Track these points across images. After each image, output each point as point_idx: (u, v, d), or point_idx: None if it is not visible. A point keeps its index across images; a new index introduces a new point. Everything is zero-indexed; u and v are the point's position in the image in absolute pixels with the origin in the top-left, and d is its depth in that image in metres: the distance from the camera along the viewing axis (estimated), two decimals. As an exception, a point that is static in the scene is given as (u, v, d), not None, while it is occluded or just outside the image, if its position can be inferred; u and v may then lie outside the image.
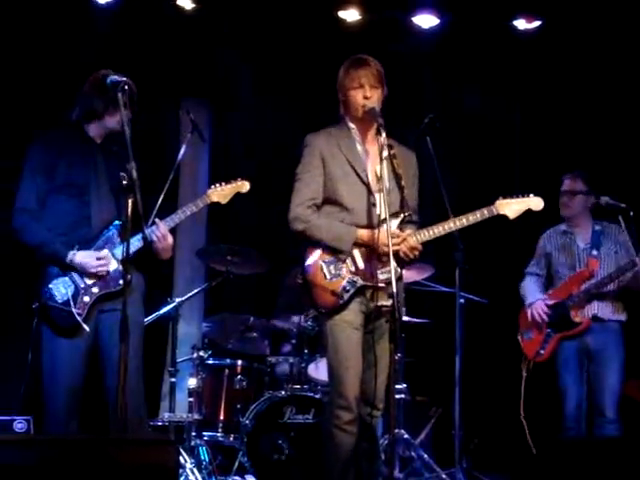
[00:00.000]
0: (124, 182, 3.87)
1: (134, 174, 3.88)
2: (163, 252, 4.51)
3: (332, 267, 4.20)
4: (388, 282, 4.08)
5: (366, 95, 4.25)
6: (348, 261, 4.21)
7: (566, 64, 6.87)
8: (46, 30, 6.34)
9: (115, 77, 4.13)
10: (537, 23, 6.80)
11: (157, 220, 4.47)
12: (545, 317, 5.66)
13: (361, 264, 4.21)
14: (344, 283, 4.18)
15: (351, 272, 4.20)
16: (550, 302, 5.70)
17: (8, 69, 6.30)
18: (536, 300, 5.74)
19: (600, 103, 6.82)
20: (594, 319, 5.60)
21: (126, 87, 4.06)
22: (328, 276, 4.20)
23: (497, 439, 6.59)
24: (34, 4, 6.29)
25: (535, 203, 4.44)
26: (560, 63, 6.89)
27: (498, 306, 6.35)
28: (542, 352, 5.70)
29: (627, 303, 5.69)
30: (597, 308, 5.62)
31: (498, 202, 4.35)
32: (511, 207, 4.37)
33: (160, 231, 4.43)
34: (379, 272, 4.19)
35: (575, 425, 5.59)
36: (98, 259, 4.35)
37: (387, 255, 3.99)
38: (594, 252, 5.69)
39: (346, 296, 4.17)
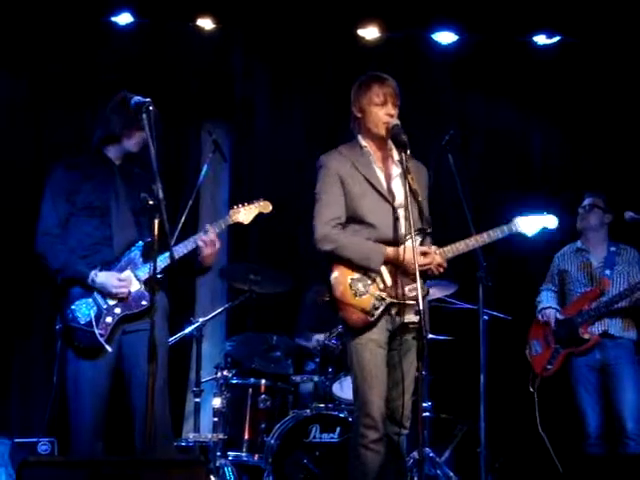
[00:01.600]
0: (150, 202, 3.87)
1: (160, 194, 3.88)
2: (208, 258, 4.50)
3: (360, 284, 4.16)
4: (415, 299, 4.04)
5: (390, 113, 4.24)
6: (377, 278, 4.17)
7: (586, 79, 6.85)
8: (67, 53, 6.40)
9: (139, 98, 4.15)
10: (556, 39, 6.78)
11: (208, 225, 4.50)
12: (552, 323, 5.72)
13: (389, 281, 4.18)
14: (373, 301, 4.14)
15: (379, 289, 4.16)
16: (561, 317, 5.75)
17: (29, 90, 6.35)
18: (549, 306, 5.81)
19: (620, 118, 6.79)
20: (605, 335, 5.62)
21: (150, 107, 4.06)
22: (357, 294, 4.15)
23: (522, 457, 6.53)
24: (55, 26, 6.34)
25: (550, 221, 4.49)
26: (580, 78, 6.87)
27: (521, 322, 6.31)
28: (549, 367, 5.75)
29: (639, 321, 5.71)
30: (608, 325, 5.65)
31: (517, 219, 4.38)
32: (528, 224, 4.41)
33: (210, 236, 4.44)
34: (407, 289, 4.16)
35: (598, 441, 5.59)
36: (119, 280, 4.35)
37: (414, 272, 3.97)
38: (607, 272, 5.74)
39: (376, 313, 4.13)
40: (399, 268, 4.15)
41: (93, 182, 4.45)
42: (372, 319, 4.13)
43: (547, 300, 5.88)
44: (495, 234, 4.31)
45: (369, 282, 4.17)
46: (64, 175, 4.48)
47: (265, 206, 4.79)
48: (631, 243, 5.88)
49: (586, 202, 5.86)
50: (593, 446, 5.56)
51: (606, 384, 5.63)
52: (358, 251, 4.16)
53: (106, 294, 4.36)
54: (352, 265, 4.18)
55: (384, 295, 4.15)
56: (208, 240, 4.45)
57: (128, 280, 4.38)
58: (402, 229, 4.17)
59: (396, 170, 4.29)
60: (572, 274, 5.84)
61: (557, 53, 6.84)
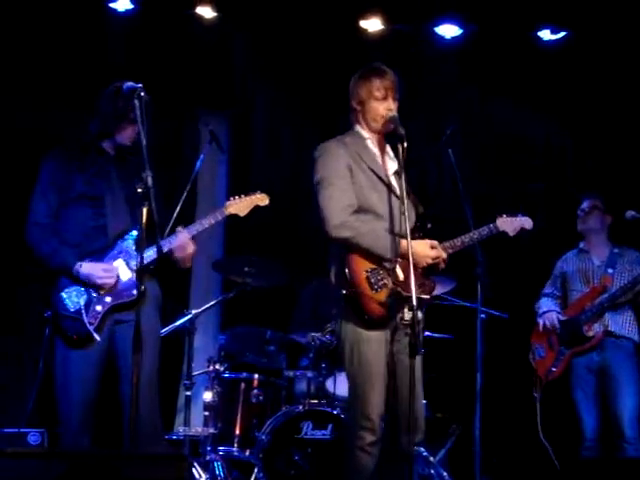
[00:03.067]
0: (139, 190, 3.83)
1: (149, 182, 3.84)
2: (182, 261, 4.47)
3: (377, 277, 4.03)
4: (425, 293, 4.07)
5: (390, 107, 4.16)
6: (391, 272, 4.06)
7: (591, 75, 6.79)
8: (63, 39, 6.33)
9: (131, 83, 4.11)
10: (562, 34, 6.71)
11: (179, 228, 4.45)
12: (557, 325, 5.69)
13: (401, 275, 4.07)
14: (389, 294, 4.01)
15: (394, 282, 4.05)
16: (563, 318, 5.72)
17: (24, 79, 6.28)
18: (549, 310, 5.78)
19: (626, 114, 6.72)
20: (607, 334, 5.58)
21: (142, 93, 4.01)
22: (374, 287, 4.01)
23: (518, 458, 6.48)
24: (50, 11, 6.27)
25: (526, 222, 4.56)
26: (585, 74, 6.80)
27: (519, 321, 6.25)
28: (554, 369, 5.71)
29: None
30: (610, 322, 5.60)
31: (498, 219, 4.45)
32: (509, 225, 4.49)
33: (179, 240, 4.39)
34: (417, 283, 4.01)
35: (594, 444, 5.56)
36: (105, 271, 4.32)
37: (423, 267, 4.05)
38: (609, 270, 5.72)
39: (390, 307, 4.00)
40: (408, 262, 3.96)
41: (88, 172, 4.42)
42: (389, 313, 4.00)
43: (547, 305, 5.85)
44: (484, 232, 4.37)
45: (386, 275, 4.04)
46: (57, 165, 4.45)
47: (262, 199, 4.75)
48: (632, 243, 5.85)
49: (585, 205, 5.84)
50: (589, 449, 5.53)
51: (605, 387, 5.59)
52: (376, 240, 4.03)
53: (92, 285, 4.31)
54: (367, 256, 4.03)
55: (399, 289, 4.02)
56: (179, 244, 4.39)
57: (114, 270, 4.34)
58: (405, 224, 4.05)
59: (392, 165, 4.23)
60: (572, 274, 5.83)
61: (562, 48, 6.76)
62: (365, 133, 4.24)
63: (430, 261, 4.11)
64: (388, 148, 4.24)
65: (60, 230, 4.39)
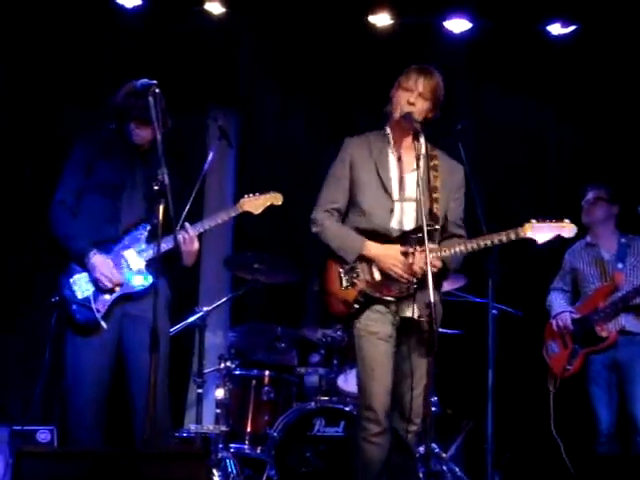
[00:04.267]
0: (155, 187, 3.86)
1: (166, 179, 3.87)
2: (187, 257, 4.46)
3: (349, 276, 4.15)
4: (401, 296, 4.06)
5: (411, 101, 4.14)
6: (365, 271, 4.14)
7: (601, 70, 6.74)
8: (73, 35, 6.30)
9: (145, 80, 4.10)
10: (572, 28, 6.65)
11: (186, 224, 4.46)
12: (570, 327, 5.62)
13: (377, 276, 4.14)
14: (356, 295, 4.13)
15: (367, 282, 4.14)
16: (576, 316, 5.66)
17: (34, 74, 6.26)
18: (563, 311, 5.71)
19: (636, 110, 6.67)
20: (622, 332, 5.53)
21: (157, 90, 4.02)
22: (344, 284, 4.15)
23: (529, 454, 6.44)
24: (60, 7, 6.24)
25: (568, 230, 4.18)
26: (595, 69, 6.75)
27: (532, 318, 6.21)
28: (569, 367, 5.66)
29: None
30: (625, 321, 5.55)
31: (528, 224, 4.12)
32: (541, 232, 4.13)
33: (188, 234, 4.40)
34: (395, 285, 4.10)
35: (609, 441, 5.52)
36: (111, 272, 4.32)
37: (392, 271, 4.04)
38: (619, 265, 5.64)
39: (356, 306, 4.12)
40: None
41: (113, 160, 4.47)
42: (352, 311, 4.12)
43: (558, 304, 5.78)
44: (500, 238, 4.10)
45: (357, 274, 4.14)
46: (85, 147, 4.51)
47: (277, 198, 4.76)
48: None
49: (590, 195, 5.77)
50: (604, 445, 5.49)
51: (620, 382, 5.55)
52: (337, 239, 4.18)
53: (93, 276, 4.32)
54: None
55: (369, 290, 4.12)
56: (187, 238, 4.40)
57: (118, 278, 4.34)
58: (406, 223, 4.12)
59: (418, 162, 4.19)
60: (584, 271, 5.75)
61: (572, 42, 6.70)
62: (388, 129, 4.27)
63: (398, 271, 4.05)
64: (420, 143, 4.19)
65: (79, 213, 4.43)
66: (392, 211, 4.13)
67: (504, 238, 4.10)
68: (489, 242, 4.10)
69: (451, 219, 4.26)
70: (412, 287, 4.05)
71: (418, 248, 4.04)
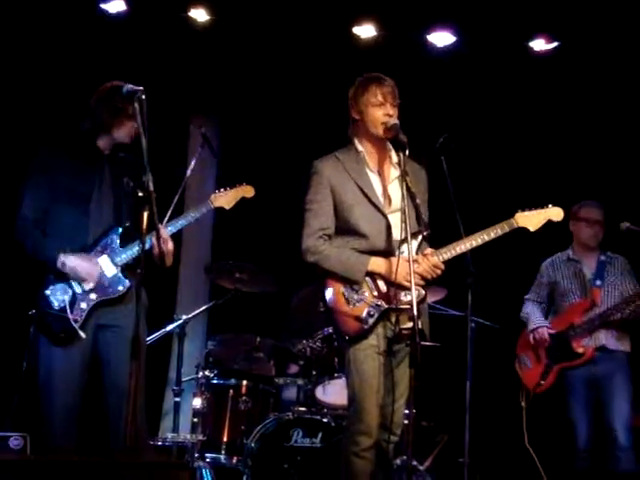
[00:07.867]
0: (140, 194, 3.77)
1: (150, 186, 3.80)
2: (161, 257, 4.39)
3: (354, 293, 4.09)
4: (410, 304, 3.95)
5: (389, 112, 4.16)
6: (370, 285, 4.10)
7: (583, 85, 6.78)
8: (54, 40, 6.27)
9: (131, 86, 4.04)
10: (554, 44, 6.69)
11: (159, 225, 4.38)
12: (547, 342, 5.62)
13: (383, 287, 4.11)
14: (368, 308, 4.07)
15: (374, 296, 4.10)
16: (552, 331, 5.65)
17: (16, 79, 6.23)
18: (541, 325, 5.69)
19: (616, 124, 6.72)
20: (601, 349, 5.53)
21: (143, 97, 3.96)
22: (351, 302, 4.09)
23: (505, 469, 6.45)
24: (42, 13, 6.21)
25: (555, 213, 4.34)
26: (576, 84, 6.79)
27: (508, 331, 6.22)
28: (542, 382, 5.66)
29: (632, 334, 5.63)
30: (604, 338, 5.55)
31: (517, 215, 4.26)
32: (531, 219, 4.27)
33: (161, 235, 4.32)
34: (402, 294, 4.07)
35: (587, 455, 5.50)
36: (90, 264, 4.29)
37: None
38: (597, 282, 5.64)
39: (371, 321, 4.06)
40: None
41: (78, 168, 4.40)
42: (366, 327, 4.06)
43: (536, 317, 5.77)
44: (495, 232, 4.19)
45: (363, 289, 4.09)
46: (49, 158, 4.42)
47: (248, 190, 4.74)
48: (621, 253, 5.79)
49: (597, 216, 5.72)
50: (582, 460, 5.47)
51: (599, 397, 5.54)
52: (340, 262, 4.11)
53: (77, 278, 4.29)
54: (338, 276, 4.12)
55: (380, 302, 4.08)
56: (162, 238, 4.30)
57: (98, 264, 4.31)
58: (396, 235, 4.11)
59: (394, 172, 4.24)
60: (564, 285, 5.74)
61: (555, 58, 6.74)
62: (363, 145, 4.24)
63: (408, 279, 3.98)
64: (393, 154, 4.22)
65: (47, 225, 4.37)
66: (389, 227, 4.10)
67: (499, 231, 4.19)
68: (485, 237, 4.16)
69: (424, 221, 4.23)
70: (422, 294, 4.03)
71: (429, 251, 4.09)
